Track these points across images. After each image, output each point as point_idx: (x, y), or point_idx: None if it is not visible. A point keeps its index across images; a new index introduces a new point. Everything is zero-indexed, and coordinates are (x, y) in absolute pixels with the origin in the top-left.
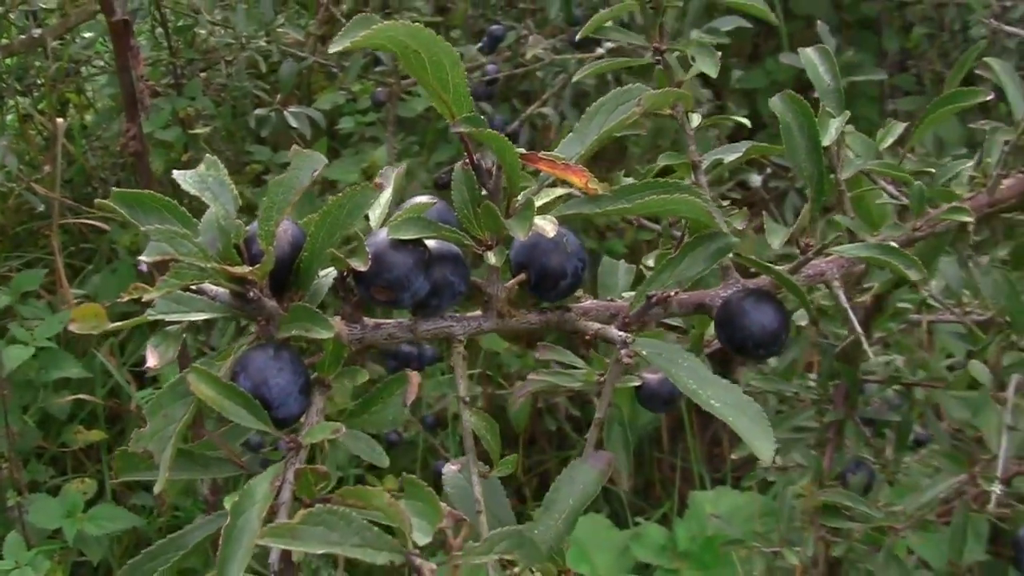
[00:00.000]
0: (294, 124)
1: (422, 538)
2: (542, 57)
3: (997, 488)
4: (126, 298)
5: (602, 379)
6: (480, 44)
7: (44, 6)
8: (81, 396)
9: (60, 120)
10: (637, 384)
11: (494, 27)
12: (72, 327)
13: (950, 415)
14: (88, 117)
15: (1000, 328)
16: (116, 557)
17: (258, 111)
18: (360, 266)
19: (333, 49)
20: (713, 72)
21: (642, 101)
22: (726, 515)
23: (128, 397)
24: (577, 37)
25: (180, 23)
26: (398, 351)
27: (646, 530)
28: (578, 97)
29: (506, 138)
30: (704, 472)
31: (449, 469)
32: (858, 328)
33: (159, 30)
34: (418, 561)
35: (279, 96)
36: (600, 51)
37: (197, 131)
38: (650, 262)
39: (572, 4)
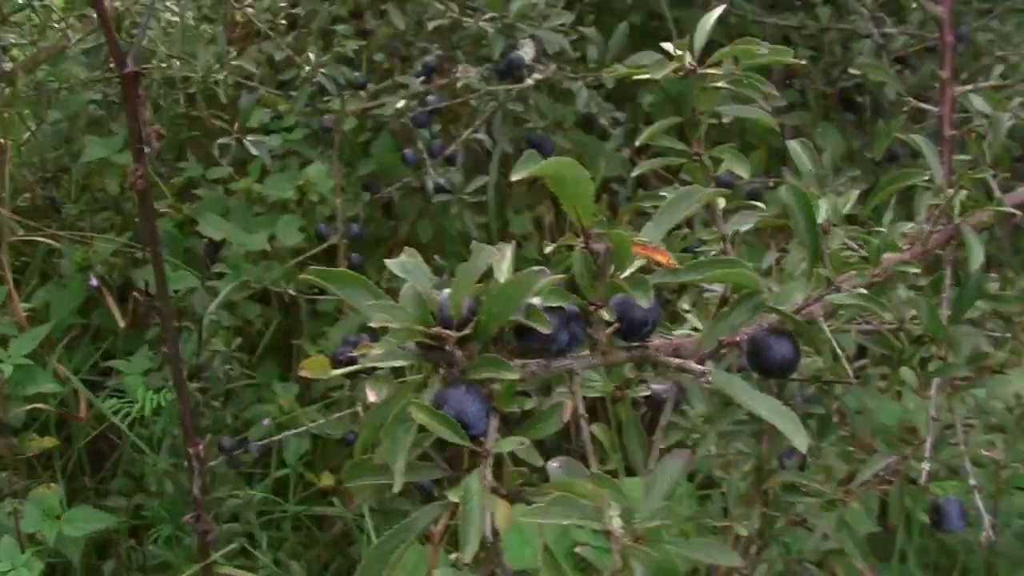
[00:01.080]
0: (254, 152)
1: (615, 516)
2: (475, 86)
3: (925, 466)
4: (356, 353)
5: (619, 391)
6: (418, 74)
7: (13, 41)
8: (38, 406)
9: (3, 141)
10: (646, 394)
11: (428, 59)
12: (303, 374)
13: (861, 405)
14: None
15: (920, 340)
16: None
17: (220, 140)
18: (544, 329)
19: (515, 177)
20: (745, 173)
21: (700, 199)
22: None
23: (74, 406)
24: (638, 142)
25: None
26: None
27: None
28: (509, 122)
29: (625, 234)
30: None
31: (552, 466)
32: (839, 352)
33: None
34: (615, 526)
35: (236, 125)
36: (529, 82)
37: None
38: (685, 306)
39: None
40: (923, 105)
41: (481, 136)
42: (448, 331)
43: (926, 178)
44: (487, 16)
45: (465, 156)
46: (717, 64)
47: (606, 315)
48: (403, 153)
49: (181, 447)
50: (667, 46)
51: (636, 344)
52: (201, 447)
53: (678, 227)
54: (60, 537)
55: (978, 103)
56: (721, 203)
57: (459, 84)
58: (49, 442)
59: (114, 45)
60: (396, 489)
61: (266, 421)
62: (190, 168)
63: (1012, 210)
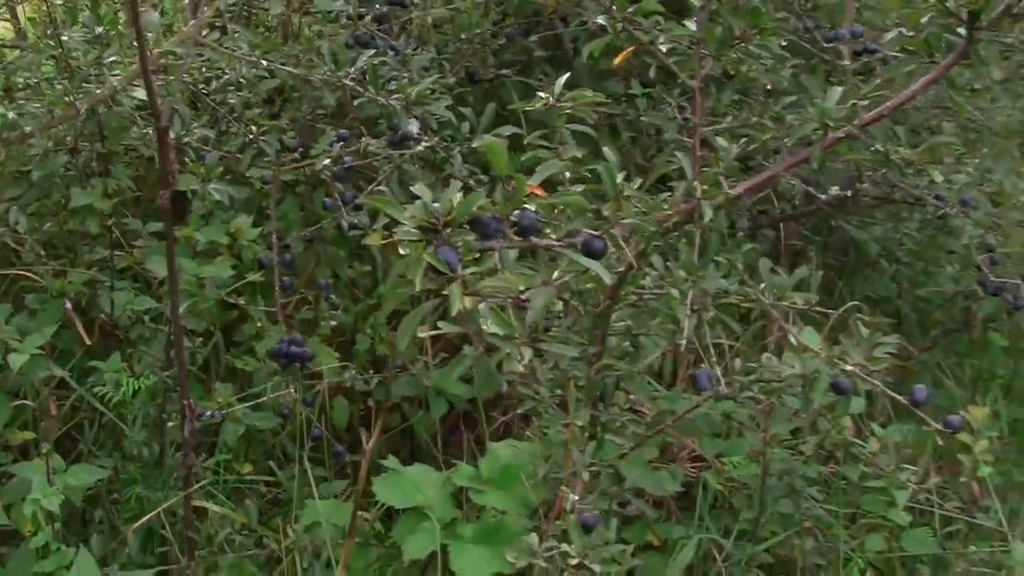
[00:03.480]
0: (217, 198)
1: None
2: (377, 152)
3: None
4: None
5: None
6: (333, 143)
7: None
8: (24, 402)
9: None
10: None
11: (342, 131)
12: (368, 241)
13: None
14: None
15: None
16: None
17: (192, 187)
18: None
19: (476, 144)
20: (579, 155)
21: (556, 168)
22: (514, 454)
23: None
24: (526, 140)
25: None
26: (288, 351)
27: (460, 468)
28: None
29: (523, 177)
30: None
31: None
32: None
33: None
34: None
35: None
36: (419, 148)
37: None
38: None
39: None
40: (685, 139)
41: (382, 188)
42: (438, 221)
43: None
44: (395, 96)
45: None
46: (565, 101)
47: (512, 220)
48: (324, 201)
49: (151, 425)
50: (541, 93)
51: (527, 237)
52: (192, 401)
53: (549, 178)
54: (66, 487)
55: (719, 141)
56: (566, 175)
57: (364, 150)
58: (29, 435)
59: (153, 101)
60: (417, 289)
61: (209, 412)
62: (131, 222)
63: (730, 191)
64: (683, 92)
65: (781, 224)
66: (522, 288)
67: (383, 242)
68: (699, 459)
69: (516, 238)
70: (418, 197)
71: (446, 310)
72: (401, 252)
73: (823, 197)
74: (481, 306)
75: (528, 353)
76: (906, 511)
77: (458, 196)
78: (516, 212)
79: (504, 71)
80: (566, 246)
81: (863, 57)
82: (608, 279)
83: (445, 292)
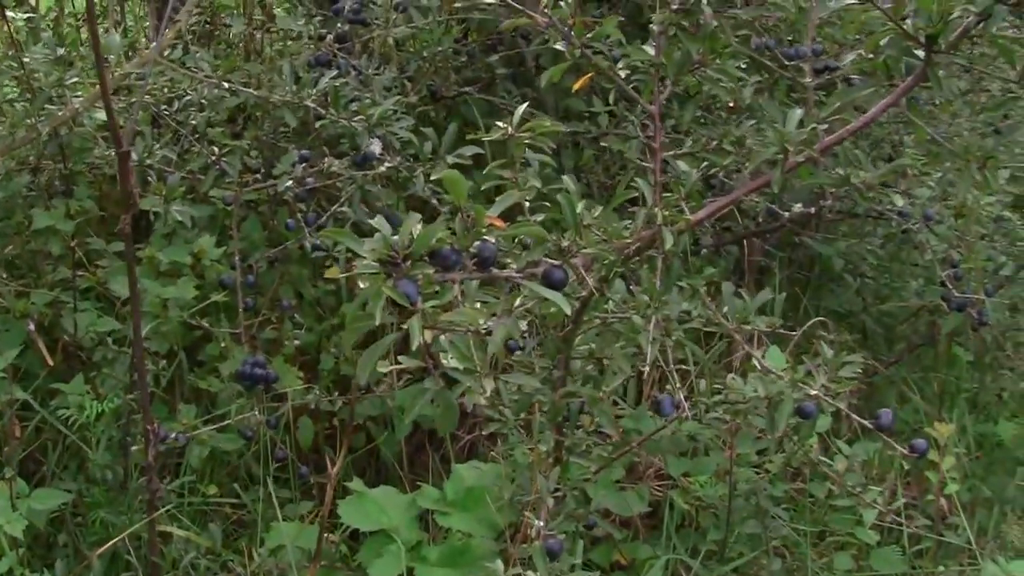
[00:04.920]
0: (179, 218)
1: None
2: (340, 172)
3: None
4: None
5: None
6: (294, 163)
7: None
8: None
9: None
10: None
11: (303, 152)
12: (328, 275)
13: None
14: None
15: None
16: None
17: (154, 208)
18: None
19: (435, 177)
20: (539, 185)
21: (514, 198)
22: (478, 476)
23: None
24: (486, 171)
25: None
26: (252, 374)
27: (425, 490)
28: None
29: (481, 208)
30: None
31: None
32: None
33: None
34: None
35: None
36: (382, 168)
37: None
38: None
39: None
40: (646, 164)
41: (345, 209)
42: (398, 254)
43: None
44: (357, 117)
45: (333, 222)
46: (524, 132)
47: (471, 251)
48: (287, 222)
49: (115, 448)
50: (500, 124)
51: (487, 268)
52: (157, 424)
53: (509, 208)
54: (29, 511)
55: (680, 165)
56: (526, 203)
57: (327, 170)
58: None
59: (114, 126)
60: (377, 322)
61: (173, 434)
62: (94, 242)
63: (691, 218)
64: (644, 110)
65: (745, 240)
66: (482, 322)
67: (344, 275)
68: (665, 477)
69: (476, 270)
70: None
71: (407, 341)
72: (360, 285)
73: (787, 215)
74: (442, 338)
75: (490, 385)
76: (874, 529)
77: (417, 228)
78: (476, 243)
79: (466, 88)
80: (526, 277)
81: (824, 74)
82: (568, 309)
83: (404, 325)
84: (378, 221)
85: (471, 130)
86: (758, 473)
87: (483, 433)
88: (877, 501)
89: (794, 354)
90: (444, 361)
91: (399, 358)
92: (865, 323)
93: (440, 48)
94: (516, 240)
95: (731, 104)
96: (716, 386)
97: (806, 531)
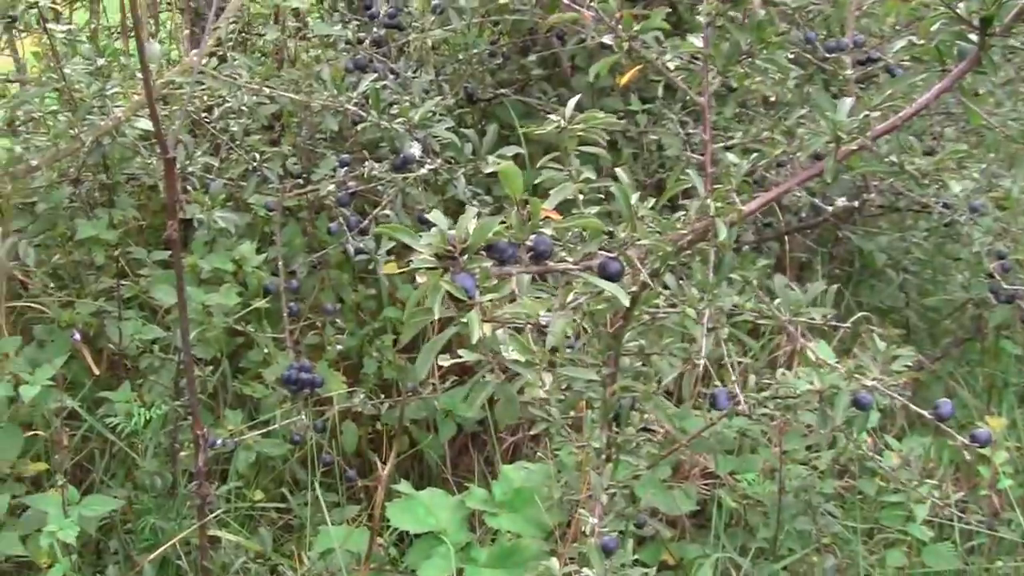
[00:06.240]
0: (222, 225)
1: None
2: (380, 176)
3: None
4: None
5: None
6: (335, 168)
7: (38, 145)
8: (37, 432)
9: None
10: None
11: (344, 156)
12: (385, 270)
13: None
14: None
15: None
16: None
17: (197, 215)
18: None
19: (489, 169)
20: (593, 177)
21: (571, 190)
22: (526, 477)
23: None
24: (539, 164)
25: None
26: (298, 378)
27: (473, 491)
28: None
29: (538, 201)
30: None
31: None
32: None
33: None
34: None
35: (208, 203)
36: (423, 171)
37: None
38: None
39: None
40: (694, 156)
41: (387, 212)
42: (455, 248)
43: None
44: (398, 120)
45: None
46: (576, 123)
47: (527, 245)
48: (329, 226)
49: (163, 455)
50: (552, 116)
51: (542, 261)
52: (206, 430)
53: (564, 200)
54: (80, 518)
55: (730, 156)
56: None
57: (367, 175)
58: (42, 466)
59: (159, 133)
60: (436, 316)
61: (220, 439)
62: (135, 252)
63: (743, 208)
64: (683, 107)
65: (786, 236)
66: (541, 314)
67: (399, 272)
68: (711, 476)
69: (532, 263)
70: (428, 223)
71: (460, 336)
72: (417, 280)
73: (830, 209)
74: (499, 332)
75: (548, 379)
76: (925, 525)
77: (473, 222)
78: (532, 237)
79: (502, 90)
80: (583, 269)
81: (866, 66)
82: (626, 300)
83: (463, 319)
84: (435, 215)
85: (507, 131)
86: (807, 470)
87: (528, 434)
88: (933, 495)
89: (839, 350)
90: (504, 354)
91: (459, 352)
92: (908, 318)
93: (475, 50)
94: (570, 232)
95: (772, 99)
96: (765, 381)
97: (856, 528)
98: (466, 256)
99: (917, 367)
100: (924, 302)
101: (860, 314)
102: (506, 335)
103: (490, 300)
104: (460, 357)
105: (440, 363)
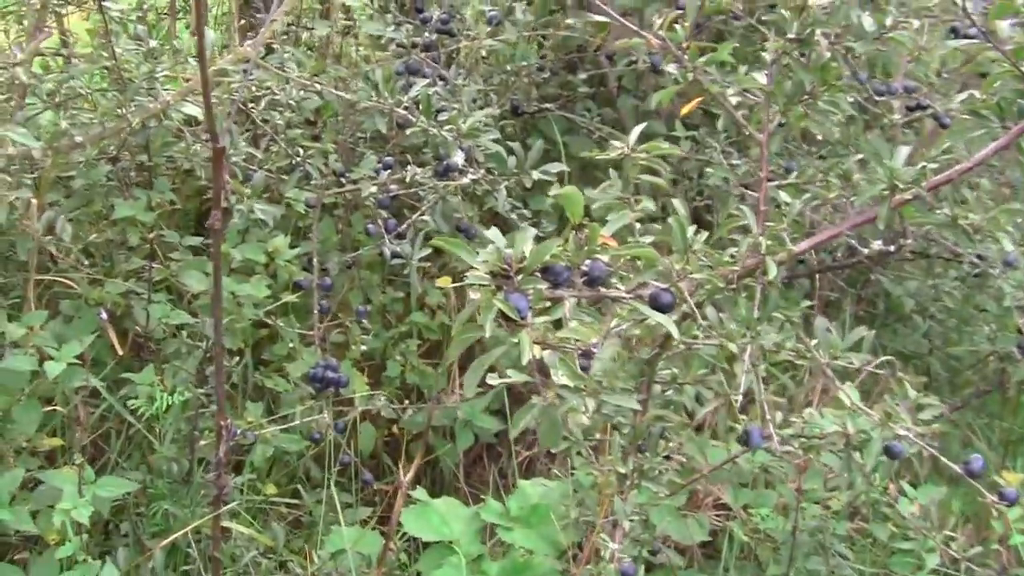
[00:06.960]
0: (261, 216)
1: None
2: (422, 182)
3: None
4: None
5: None
6: (378, 170)
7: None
8: (55, 407)
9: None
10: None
11: (387, 159)
12: (438, 284)
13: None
14: None
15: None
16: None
17: (238, 206)
18: (555, 271)
19: (553, 197)
20: (653, 207)
21: (629, 218)
22: (543, 493)
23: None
24: (595, 204)
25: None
26: (324, 376)
27: (488, 503)
28: (448, 211)
29: (597, 226)
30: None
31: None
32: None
33: None
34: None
35: (248, 193)
36: (465, 180)
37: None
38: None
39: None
40: (749, 191)
41: (426, 218)
42: (510, 267)
43: (747, 227)
44: (447, 127)
45: (414, 232)
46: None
47: (583, 269)
48: (367, 227)
49: (182, 441)
50: (615, 142)
51: (596, 287)
52: (229, 420)
53: (623, 228)
54: (95, 498)
55: (783, 195)
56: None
57: (409, 179)
58: (57, 442)
59: (211, 121)
60: (487, 334)
61: (241, 431)
62: (168, 235)
63: (794, 248)
64: (727, 136)
65: (817, 274)
66: (593, 340)
67: (452, 285)
68: (723, 507)
69: (585, 287)
70: (466, 232)
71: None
72: (471, 296)
73: (866, 251)
74: (546, 355)
75: (592, 404)
76: (933, 574)
77: (530, 244)
78: (587, 262)
79: (547, 105)
80: (635, 298)
81: (913, 112)
82: (676, 333)
83: (514, 339)
84: (492, 233)
85: (548, 146)
86: (822, 510)
87: (544, 450)
88: (949, 546)
89: (862, 392)
90: (554, 378)
91: (508, 372)
92: (931, 365)
93: (524, 63)
94: (622, 260)
95: (819, 137)
96: (792, 420)
97: (865, 572)
98: (521, 276)
99: (936, 415)
100: (948, 351)
101: (885, 358)
102: (555, 358)
103: (542, 322)
104: (508, 377)
105: (491, 383)
